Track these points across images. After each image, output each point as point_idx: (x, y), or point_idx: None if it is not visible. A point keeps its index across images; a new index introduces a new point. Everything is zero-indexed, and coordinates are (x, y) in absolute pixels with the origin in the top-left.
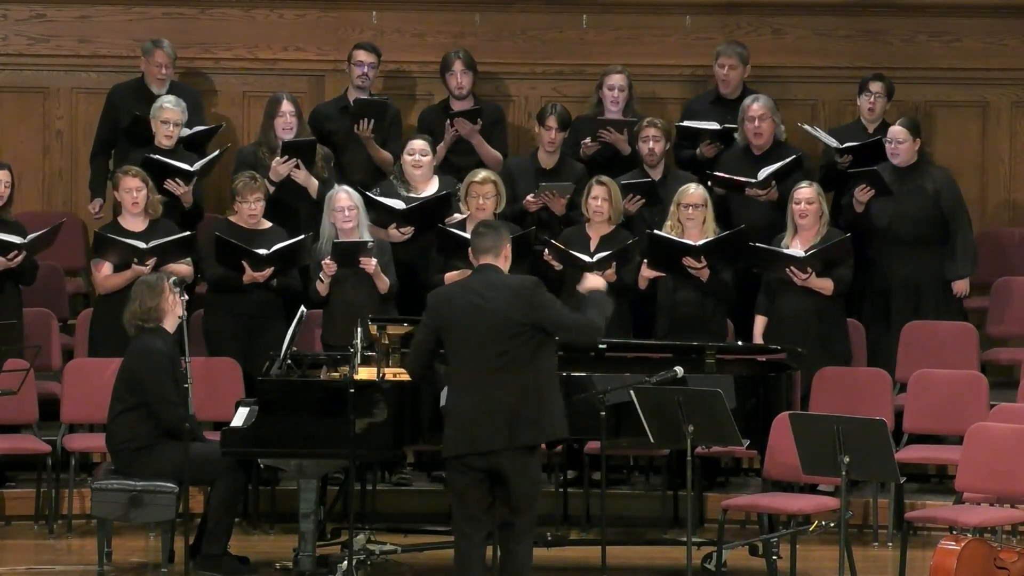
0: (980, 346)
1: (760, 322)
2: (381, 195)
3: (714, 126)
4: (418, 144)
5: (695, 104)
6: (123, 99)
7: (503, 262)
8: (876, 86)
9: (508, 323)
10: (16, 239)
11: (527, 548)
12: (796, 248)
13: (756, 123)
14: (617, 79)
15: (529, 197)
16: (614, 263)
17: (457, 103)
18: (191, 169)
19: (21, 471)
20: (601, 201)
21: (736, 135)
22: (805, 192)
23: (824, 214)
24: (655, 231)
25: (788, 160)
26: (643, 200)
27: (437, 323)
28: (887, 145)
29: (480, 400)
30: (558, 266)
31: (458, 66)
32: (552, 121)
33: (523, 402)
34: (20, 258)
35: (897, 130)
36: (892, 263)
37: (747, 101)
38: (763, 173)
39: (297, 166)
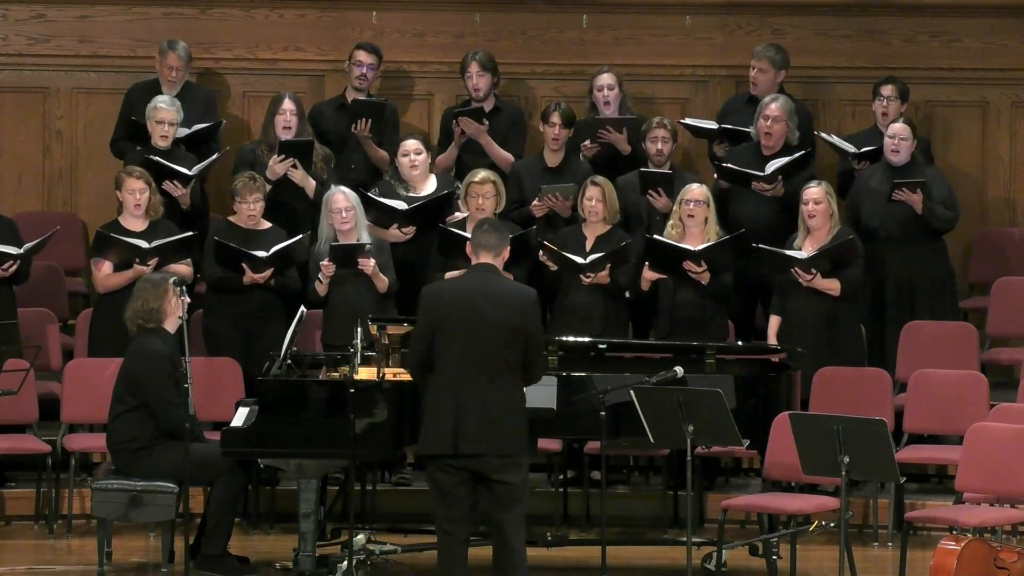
0: (980, 346)
1: (775, 321)
2: (380, 195)
3: (712, 125)
4: (412, 144)
5: (731, 103)
6: (138, 98)
7: (500, 263)
8: (887, 89)
9: (506, 330)
10: (12, 250)
11: (522, 543)
12: (807, 249)
13: (769, 123)
14: (606, 79)
15: (534, 202)
16: (608, 265)
17: (480, 104)
18: (189, 173)
19: (21, 471)
20: (596, 202)
21: (751, 130)
22: (813, 192)
23: (834, 214)
24: (654, 236)
25: (795, 156)
26: (664, 199)
27: (433, 319)
28: (888, 141)
29: (468, 403)
30: (553, 267)
31: (474, 68)
32: (556, 118)
33: (508, 412)
34: (15, 268)
35: (900, 127)
36: (885, 262)
37: (766, 99)
38: (770, 167)
39: (294, 166)
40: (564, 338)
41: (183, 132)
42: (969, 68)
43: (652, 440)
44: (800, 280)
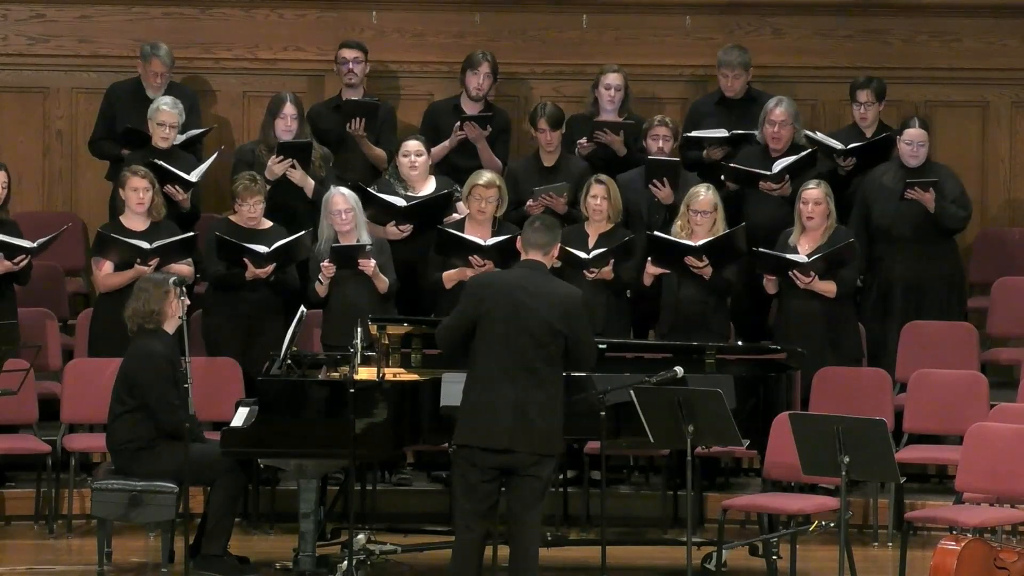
0: (980, 346)
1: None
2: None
3: (722, 133)
4: (413, 145)
5: (700, 105)
6: (120, 98)
7: (548, 261)
8: (863, 95)
9: (547, 328)
10: (26, 243)
11: (536, 545)
12: (803, 246)
13: (776, 128)
14: (613, 79)
15: (529, 202)
16: (611, 261)
17: (469, 104)
18: (192, 180)
19: (21, 471)
20: (600, 200)
21: (757, 133)
22: (813, 193)
23: (832, 214)
24: (655, 232)
25: (802, 155)
26: (667, 189)
27: (477, 310)
28: (906, 147)
29: (503, 398)
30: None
31: (484, 68)
32: (543, 123)
33: (543, 409)
34: (25, 262)
35: (917, 133)
36: (894, 263)
37: (770, 104)
38: (777, 166)
39: (293, 166)
40: None
41: (179, 138)
42: (969, 68)
43: (652, 440)
44: (798, 283)
